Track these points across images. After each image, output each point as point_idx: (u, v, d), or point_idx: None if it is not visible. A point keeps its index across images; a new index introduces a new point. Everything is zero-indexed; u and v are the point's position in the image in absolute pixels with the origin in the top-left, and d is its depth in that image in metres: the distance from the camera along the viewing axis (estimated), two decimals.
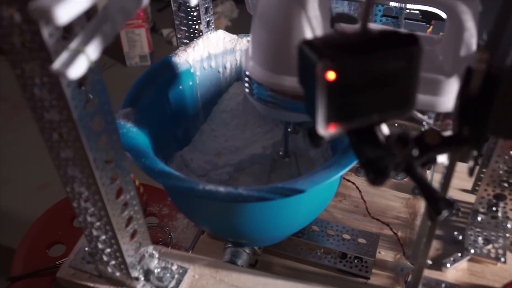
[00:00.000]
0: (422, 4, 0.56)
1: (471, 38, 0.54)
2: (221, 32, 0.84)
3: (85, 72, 0.39)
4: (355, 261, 0.83)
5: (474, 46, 0.54)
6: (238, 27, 2.85)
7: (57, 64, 0.38)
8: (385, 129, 0.45)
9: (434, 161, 0.45)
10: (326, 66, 0.37)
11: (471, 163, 0.45)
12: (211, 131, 0.86)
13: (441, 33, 0.79)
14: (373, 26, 0.62)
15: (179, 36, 0.90)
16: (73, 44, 0.39)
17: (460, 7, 0.53)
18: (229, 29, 0.94)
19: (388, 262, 0.84)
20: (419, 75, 0.41)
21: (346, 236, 0.85)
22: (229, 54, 0.84)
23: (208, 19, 0.87)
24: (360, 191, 0.93)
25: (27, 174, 2.00)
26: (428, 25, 0.76)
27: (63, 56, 0.39)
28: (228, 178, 0.79)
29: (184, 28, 0.89)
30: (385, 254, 0.85)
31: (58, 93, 0.43)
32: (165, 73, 0.78)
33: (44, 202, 1.86)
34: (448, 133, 0.59)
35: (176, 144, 0.83)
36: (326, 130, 0.41)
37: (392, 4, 0.74)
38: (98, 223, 0.56)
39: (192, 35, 0.89)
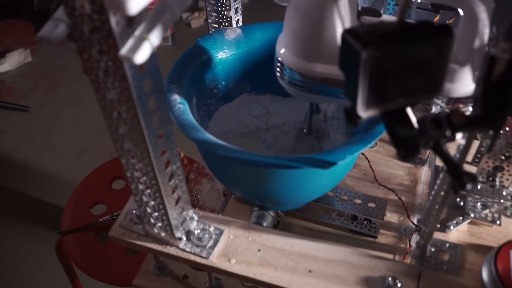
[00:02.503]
0: (440, 2, 0.54)
1: (485, 31, 0.52)
2: None
3: (148, 57, 0.38)
4: (365, 222, 0.83)
5: (486, 38, 0.52)
6: (248, 12, 2.81)
7: (124, 50, 0.37)
8: (410, 111, 0.44)
9: (454, 138, 0.44)
10: (370, 54, 0.36)
11: (489, 141, 0.44)
12: None
13: (447, 21, 0.77)
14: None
15: (210, 21, 0.88)
16: (138, 32, 0.38)
17: (475, 4, 0.50)
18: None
19: (393, 224, 0.84)
20: (449, 62, 0.39)
21: (358, 201, 0.84)
22: None
23: (236, 6, 0.85)
24: (368, 161, 0.92)
25: (66, 142, 2.00)
26: (436, 14, 0.74)
27: (129, 43, 0.37)
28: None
29: (214, 14, 0.87)
30: (390, 217, 0.85)
31: (120, 75, 0.41)
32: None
33: (82, 166, 1.87)
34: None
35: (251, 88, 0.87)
36: (364, 111, 0.39)
37: None
38: (148, 191, 0.55)
39: (221, 20, 0.87)
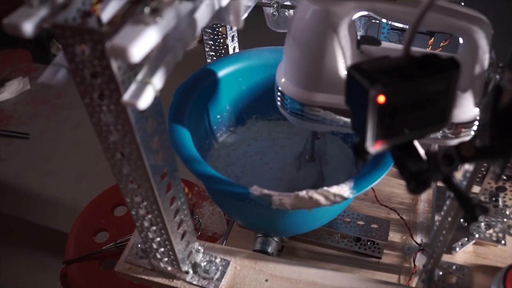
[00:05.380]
0: (439, 30, 0.52)
1: (485, 57, 0.50)
2: None
3: (152, 101, 0.36)
4: (368, 243, 0.81)
5: (486, 64, 0.51)
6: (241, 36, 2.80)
7: (127, 96, 0.35)
8: (417, 144, 0.42)
9: (460, 168, 0.42)
10: (378, 91, 0.34)
11: (498, 170, 0.42)
12: None
13: (441, 44, 0.75)
14: (415, 50, 0.58)
15: (206, 49, 0.86)
16: (140, 76, 0.36)
17: (475, 31, 0.49)
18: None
19: (396, 243, 0.82)
20: (456, 94, 0.38)
21: (361, 223, 0.82)
22: None
23: (232, 34, 0.84)
24: None
25: (67, 167, 1.97)
26: (430, 37, 0.72)
27: (132, 88, 0.35)
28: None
29: (210, 42, 0.85)
30: (393, 236, 0.82)
31: (123, 118, 0.39)
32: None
33: (83, 191, 1.84)
34: (463, 139, 0.57)
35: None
36: (373, 147, 0.38)
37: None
38: (154, 228, 0.53)
39: (217, 48, 0.86)
